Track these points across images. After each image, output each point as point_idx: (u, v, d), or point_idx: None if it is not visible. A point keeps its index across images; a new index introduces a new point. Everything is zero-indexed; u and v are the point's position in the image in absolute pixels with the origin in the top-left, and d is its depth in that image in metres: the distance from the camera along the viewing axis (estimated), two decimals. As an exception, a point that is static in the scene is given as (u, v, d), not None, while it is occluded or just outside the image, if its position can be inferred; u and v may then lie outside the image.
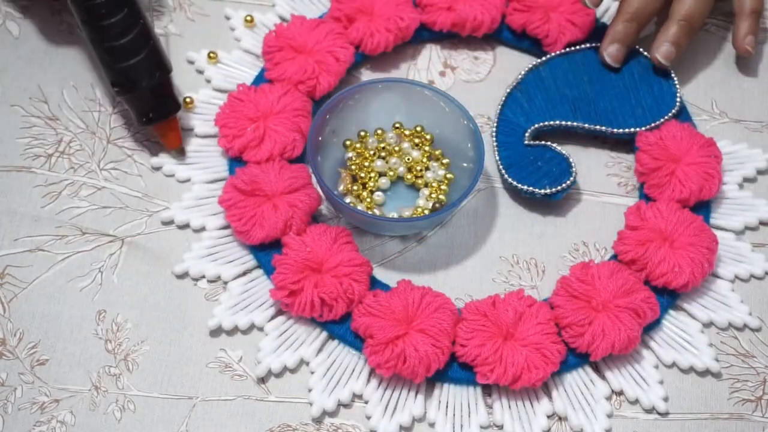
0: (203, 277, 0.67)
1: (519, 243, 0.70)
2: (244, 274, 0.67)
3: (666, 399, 0.64)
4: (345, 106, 0.70)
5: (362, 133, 0.71)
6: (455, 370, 0.63)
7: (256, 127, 0.69)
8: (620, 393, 0.64)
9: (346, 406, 0.63)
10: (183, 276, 0.67)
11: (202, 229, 0.69)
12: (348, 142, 0.71)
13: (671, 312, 0.67)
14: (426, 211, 0.69)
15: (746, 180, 0.73)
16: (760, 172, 0.74)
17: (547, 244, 0.70)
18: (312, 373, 0.64)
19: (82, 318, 0.65)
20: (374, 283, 0.66)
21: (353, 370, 0.64)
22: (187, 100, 0.73)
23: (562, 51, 0.75)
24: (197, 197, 0.70)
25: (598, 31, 0.76)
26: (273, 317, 0.66)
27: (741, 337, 0.67)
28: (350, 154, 0.71)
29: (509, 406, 0.63)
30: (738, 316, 0.67)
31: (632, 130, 0.72)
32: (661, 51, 0.71)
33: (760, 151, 0.74)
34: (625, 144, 0.74)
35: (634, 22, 0.72)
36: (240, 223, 0.66)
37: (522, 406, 0.63)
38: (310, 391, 0.63)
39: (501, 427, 0.63)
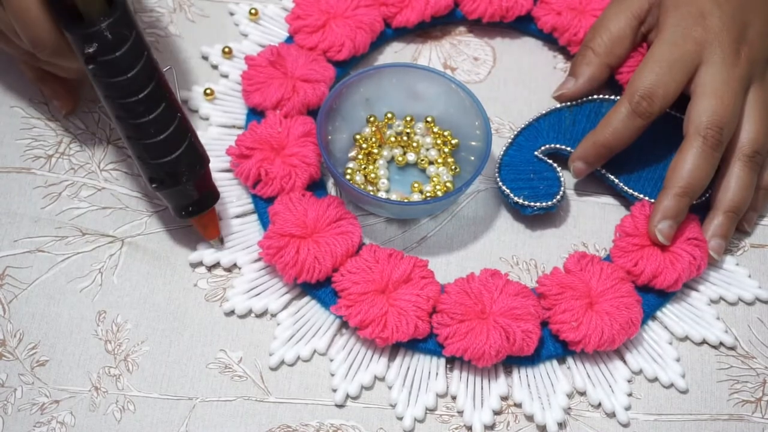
0: (218, 264, 0.68)
1: (519, 244, 0.70)
2: (260, 259, 0.68)
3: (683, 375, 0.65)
4: (354, 87, 0.71)
5: (389, 115, 0.73)
6: None
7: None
8: (583, 393, 0.64)
9: (368, 388, 0.64)
10: (197, 265, 0.68)
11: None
12: (372, 118, 0.73)
13: (650, 323, 0.67)
14: (433, 194, 0.70)
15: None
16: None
17: (546, 245, 0.70)
18: (331, 360, 0.64)
19: (81, 319, 0.65)
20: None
21: (373, 355, 0.65)
22: (207, 91, 0.74)
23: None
24: (212, 138, 0.72)
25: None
26: (287, 305, 0.67)
27: (741, 338, 0.67)
28: (368, 130, 0.73)
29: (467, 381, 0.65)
30: (715, 333, 0.67)
31: (641, 196, 0.70)
32: (712, 246, 0.68)
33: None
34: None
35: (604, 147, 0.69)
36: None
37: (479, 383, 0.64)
38: (332, 375, 0.64)
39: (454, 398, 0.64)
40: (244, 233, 0.69)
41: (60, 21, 0.60)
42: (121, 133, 0.63)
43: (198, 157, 0.64)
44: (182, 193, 0.64)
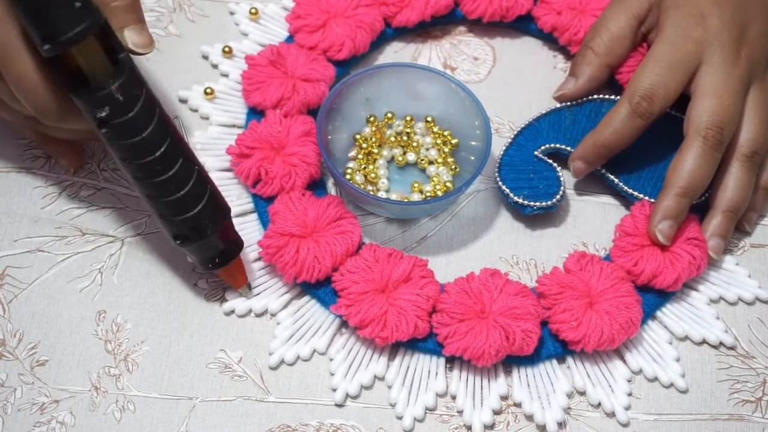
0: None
1: (519, 244, 0.70)
2: (260, 258, 0.68)
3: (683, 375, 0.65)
4: (354, 86, 0.72)
5: (389, 115, 0.73)
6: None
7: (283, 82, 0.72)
8: (582, 393, 0.64)
9: (367, 388, 0.64)
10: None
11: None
12: (372, 118, 0.73)
13: (650, 323, 0.67)
14: (433, 194, 0.70)
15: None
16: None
17: (546, 244, 0.70)
18: (331, 360, 0.64)
19: (81, 318, 0.65)
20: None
21: (373, 354, 0.65)
22: (207, 90, 0.74)
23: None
24: (212, 137, 0.72)
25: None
26: (287, 304, 0.67)
27: (741, 338, 0.67)
28: (368, 130, 0.73)
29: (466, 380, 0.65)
30: (714, 332, 0.67)
31: (641, 196, 0.70)
32: (711, 245, 0.68)
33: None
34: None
35: (604, 149, 0.69)
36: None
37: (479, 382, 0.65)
38: (332, 374, 0.64)
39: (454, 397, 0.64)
40: (244, 232, 0.69)
41: (66, 84, 0.57)
42: (140, 192, 0.61)
43: (220, 209, 0.62)
44: (207, 246, 0.63)
